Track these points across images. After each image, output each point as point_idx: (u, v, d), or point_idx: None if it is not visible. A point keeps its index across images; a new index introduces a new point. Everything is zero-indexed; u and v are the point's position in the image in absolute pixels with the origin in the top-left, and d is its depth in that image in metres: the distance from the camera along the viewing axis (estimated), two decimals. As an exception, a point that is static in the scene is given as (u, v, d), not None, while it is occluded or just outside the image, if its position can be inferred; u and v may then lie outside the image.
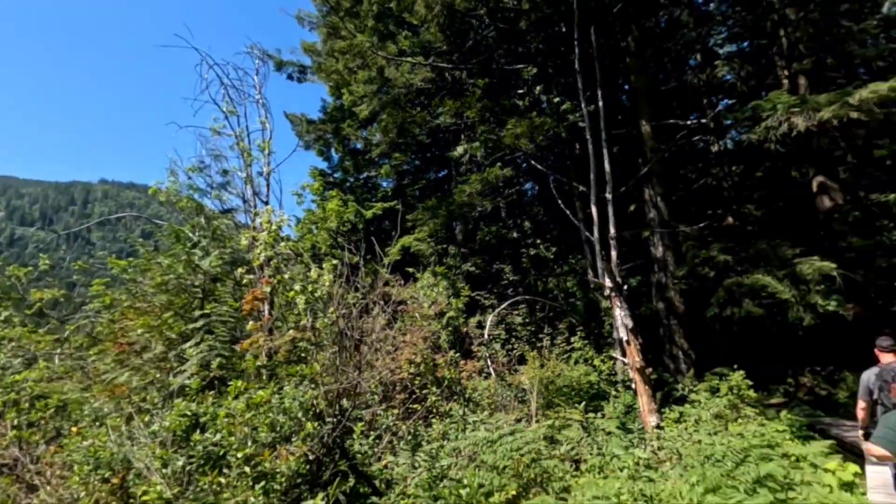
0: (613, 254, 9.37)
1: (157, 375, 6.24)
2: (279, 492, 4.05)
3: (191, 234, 8.95)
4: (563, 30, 12.95)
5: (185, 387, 5.45)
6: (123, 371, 6.28)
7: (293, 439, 4.40)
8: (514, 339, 10.13)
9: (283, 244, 8.69)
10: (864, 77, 11.49)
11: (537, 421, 7.74)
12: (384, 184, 19.90)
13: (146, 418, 5.49)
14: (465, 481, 4.64)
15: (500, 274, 11.87)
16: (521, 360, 9.47)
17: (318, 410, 4.71)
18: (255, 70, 11.58)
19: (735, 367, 8.28)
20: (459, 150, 12.85)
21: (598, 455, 5.23)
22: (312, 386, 4.82)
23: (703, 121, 11.88)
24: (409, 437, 6.50)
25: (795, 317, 8.53)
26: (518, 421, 7.66)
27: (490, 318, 9.79)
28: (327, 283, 7.77)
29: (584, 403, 6.97)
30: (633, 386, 7.87)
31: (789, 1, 10.78)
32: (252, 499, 3.88)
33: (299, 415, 4.68)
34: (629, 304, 8.44)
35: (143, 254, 8.74)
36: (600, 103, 10.47)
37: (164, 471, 4.32)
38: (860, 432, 5.00)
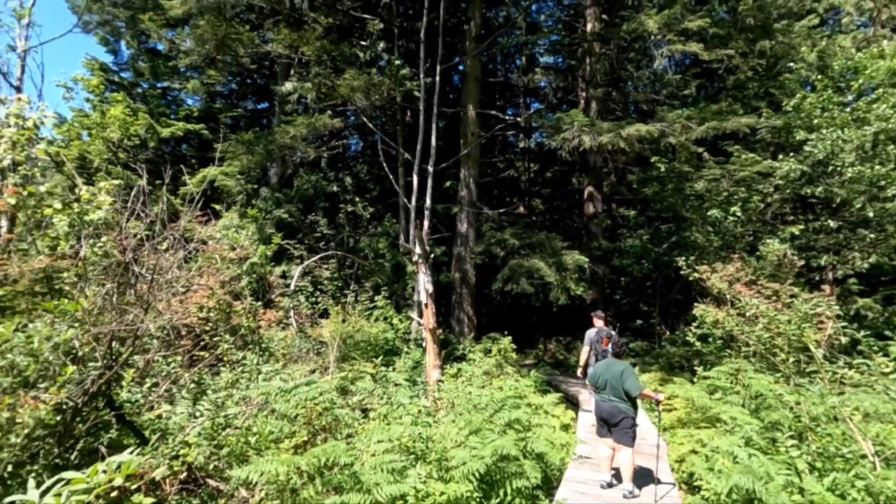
0: (426, 223, 10.04)
1: None
2: (14, 446, 3.37)
3: None
4: (414, -7, 12.93)
5: None
6: None
7: (42, 385, 3.67)
8: (319, 293, 10.09)
9: (39, 147, 6.91)
10: (633, 115, 14.50)
11: (333, 373, 7.97)
12: (189, 101, 17.14)
13: None
14: (255, 429, 4.59)
15: (314, 225, 11.55)
16: (325, 314, 9.52)
17: (80, 354, 4.01)
18: None
19: (505, 333, 9.85)
20: (288, 86, 11.85)
21: (387, 405, 5.71)
22: (74, 325, 4.07)
23: (519, 119, 13.39)
24: (193, 386, 6.03)
25: (555, 297, 10.55)
26: (313, 372, 7.78)
27: (298, 270, 9.53)
28: (105, 206, 6.53)
29: (380, 358, 7.45)
30: (424, 345, 8.71)
31: (597, 36, 12.78)
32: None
33: (51, 357, 3.91)
34: (432, 271, 9.23)
35: None
36: (437, 78, 10.89)
37: None
38: (579, 371, 6.99)
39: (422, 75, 10.70)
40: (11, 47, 7.47)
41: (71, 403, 3.70)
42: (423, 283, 8.63)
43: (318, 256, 9.91)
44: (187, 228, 9.55)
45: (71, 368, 3.52)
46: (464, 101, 12.90)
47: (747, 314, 7.38)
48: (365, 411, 6.00)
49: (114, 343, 4.20)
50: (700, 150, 10.35)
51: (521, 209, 20.31)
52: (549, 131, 10.74)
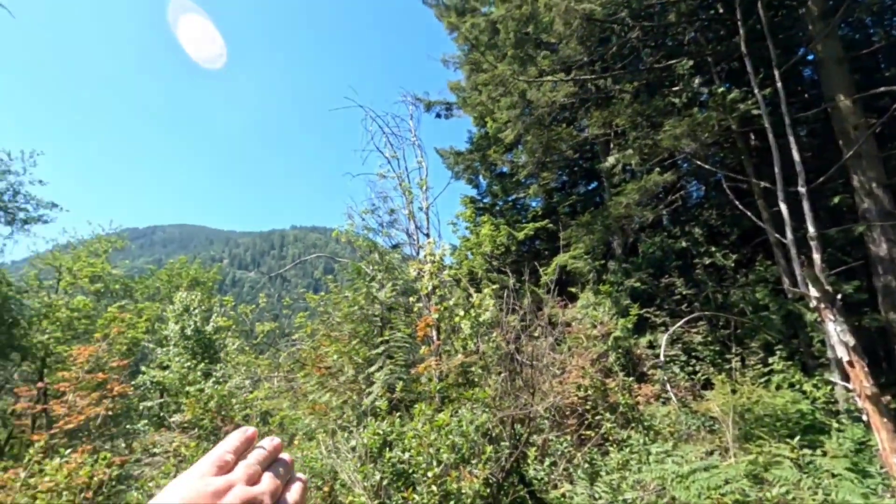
0: (817, 256, 7.87)
1: (351, 396, 7.08)
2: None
3: (367, 270, 10.10)
4: (721, 11, 11.65)
5: (375, 407, 6.07)
6: (324, 392, 7.27)
7: (473, 461, 4.58)
8: (694, 361, 9.07)
9: (445, 272, 9.27)
10: None
11: (734, 455, 6.77)
12: (533, 204, 19.92)
13: (345, 434, 6.25)
14: (657, 520, 4.26)
15: (670, 288, 10.80)
16: (707, 384, 8.42)
17: (493, 434, 4.82)
18: (410, 115, 12.74)
19: None
20: (610, 160, 12.25)
21: (825, 502, 4.33)
22: (485, 410, 4.97)
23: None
24: (586, 466, 6.23)
25: None
26: (710, 454, 6.81)
27: (664, 338, 8.95)
28: (490, 307, 8.00)
29: (797, 438, 5.88)
30: (865, 418, 6.39)
31: None
32: (441, 518, 4.12)
33: (475, 438, 4.86)
34: (846, 316, 6.95)
35: (332, 289, 10.13)
36: (778, 84, 9.07)
37: (364, 483, 4.86)
38: None
39: (756, 89, 9.15)
40: (420, 208, 10.36)
41: (493, 479, 4.44)
42: (837, 335, 6.56)
43: (683, 321, 9.07)
44: (552, 314, 10.61)
45: (489, 448, 4.27)
46: (827, 92, 10.15)
47: None
48: (794, 509, 4.70)
49: (515, 424, 4.89)
50: None
51: None
52: None
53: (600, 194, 18.78)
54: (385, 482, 4.69)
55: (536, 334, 9.66)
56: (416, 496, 3.96)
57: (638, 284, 11.05)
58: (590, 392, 7.45)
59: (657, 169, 11.25)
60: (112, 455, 6.03)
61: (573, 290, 11.78)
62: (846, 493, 4.27)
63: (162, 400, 10.77)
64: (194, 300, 11.78)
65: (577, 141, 13.02)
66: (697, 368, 8.88)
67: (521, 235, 15.92)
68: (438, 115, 18.28)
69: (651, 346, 9.90)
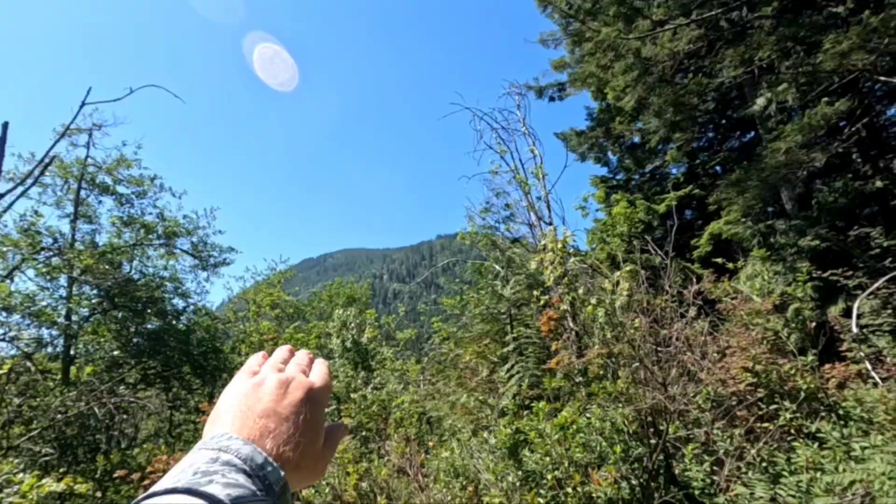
0: None
1: (486, 396, 7.10)
2: (605, 518, 3.88)
3: (496, 267, 10.09)
4: None
5: (504, 406, 5.98)
6: (462, 392, 7.42)
7: (609, 462, 4.19)
8: (913, 329, 7.08)
9: (572, 260, 8.78)
10: None
11: None
12: (674, 171, 17.86)
13: (485, 434, 6.28)
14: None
15: (864, 241, 8.61)
16: (936, 357, 6.49)
17: (630, 430, 4.36)
18: (517, 105, 12.46)
19: None
20: (760, 101, 10.36)
21: None
22: (619, 404, 4.53)
23: None
24: (763, 465, 5.26)
25: None
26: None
27: (856, 304, 7.17)
28: (625, 292, 7.37)
29: None
30: None
31: None
32: (578, 521, 3.84)
33: (612, 435, 4.45)
34: None
35: (467, 291, 10.35)
36: None
37: (500, 483, 4.79)
38: None
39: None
40: (538, 198, 10.04)
41: (634, 481, 3.99)
42: None
43: (884, 280, 7.14)
44: (707, 290, 9.33)
45: (618, 447, 3.86)
46: None
47: None
48: None
49: (657, 418, 4.35)
50: None
51: None
52: None
53: (758, 144, 16.02)
54: (518, 483, 4.57)
55: (690, 314, 8.55)
56: (539, 500, 3.76)
57: (817, 242, 9.04)
58: (761, 377, 6.31)
59: (824, 99, 9.15)
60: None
61: (719, 260, 10.18)
62: None
63: (334, 407, 12.15)
64: (349, 315, 13.08)
65: (713, 88, 11.28)
66: (920, 338, 6.90)
67: (662, 208, 14.38)
68: (552, 99, 17.52)
69: (846, 315, 8.01)
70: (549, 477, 3.87)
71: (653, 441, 4.21)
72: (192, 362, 13.07)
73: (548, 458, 4.10)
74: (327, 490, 6.95)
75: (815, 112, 9.01)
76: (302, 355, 0.68)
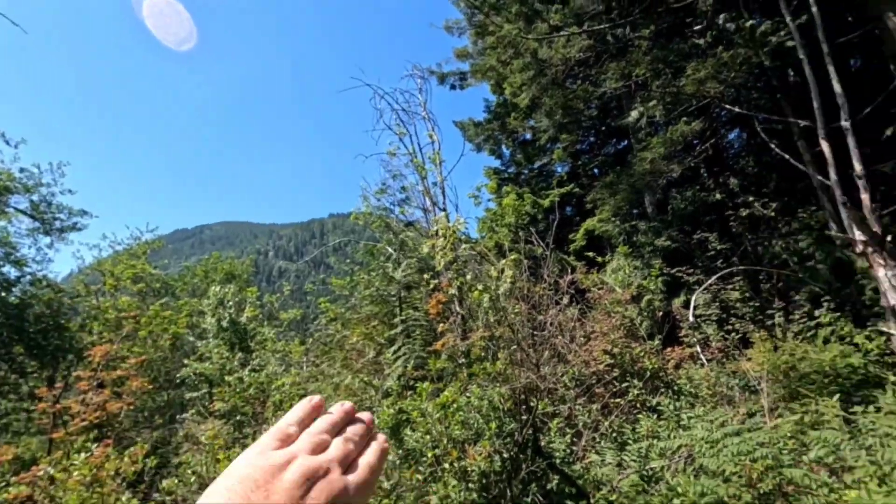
0: (865, 196, 7.14)
1: (371, 378, 7.11)
2: (476, 489, 4.13)
3: (389, 249, 10.05)
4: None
5: (388, 387, 6.05)
6: (346, 374, 7.33)
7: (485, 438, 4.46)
8: (733, 319, 8.54)
9: (463, 246, 9.06)
10: None
11: (778, 415, 6.35)
12: (559, 169, 19.26)
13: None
14: (680, 489, 4.02)
15: (703, 244, 10.18)
16: (747, 343, 7.92)
17: (505, 408, 4.68)
18: (419, 89, 12.40)
19: None
20: (633, 114, 11.54)
21: (871, 463, 3.93)
22: (497, 384, 4.83)
23: None
24: (613, 435, 6.01)
25: None
26: (751, 416, 6.42)
27: (693, 297, 8.46)
28: (509, 279, 7.78)
29: (836, 396, 5.42)
30: (925, 369, 5.82)
31: None
32: (453, 494, 4.05)
33: (490, 413, 4.73)
34: (900, 259, 6.29)
35: (357, 272, 10.16)
36: (813, 9, 8.16)
37: (380, 463, 4.84)
38: None
39: (788, 18, 8.29)
40: (434, 183, 10.14)
41: (506, 454, 4.31)
42: (887, 279, 5.97)
43: (715, 277, 8.52)
44: (579, 281, 10.23)
45: (493, 424, 4.12)
46: (873, 11, 9.08)
47: None
48: (836, 472, 4.32)
49: (529, 396, 4.72)
50: None
51: None
52: None
53: (629, 152, 17.91)
54: (398, 461, 4.66)
55: (563, 302, 9.37)
56: (418, 475, 3.89)
57: (669, 243, 10.47)
58: (617, 359, 7.16)
59: (683, 119, 10.50)
60: (148, 446, 6.32)
61: (591, 254, 11.32)
62: (895, 454, 3.86)
63: (206, 391, 11.27)
64: (227, 293, 12.15)
65: (596, 97, 12.33)
66: (737, 327, 8.35)
67: (546, 203, 15.43)
68: (453, 87, 17.79)
69: (686, 306, 9.40)
70: (429, 454, 4.01)
71: (524, 417, 4.56)
72: (27, 341, 11.18)
73: (428, 437, 4.24)
74: (193, 479, 6.45)
75: (676, 129, 10.31)
76: (359, 428, 0.51)
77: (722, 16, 10.22)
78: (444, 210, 10.53)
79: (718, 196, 10.75)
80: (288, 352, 9.71)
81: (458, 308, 8.93)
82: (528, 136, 18.77)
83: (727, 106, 9.65)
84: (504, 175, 19.20)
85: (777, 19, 9.06)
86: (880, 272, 6.09)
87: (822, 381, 6.77)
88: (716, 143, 12.41)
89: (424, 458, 4.01)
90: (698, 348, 7.68)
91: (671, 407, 6.17)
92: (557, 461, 5.09)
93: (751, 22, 9.43)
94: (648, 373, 6.68)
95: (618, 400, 6.69)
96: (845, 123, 7.75)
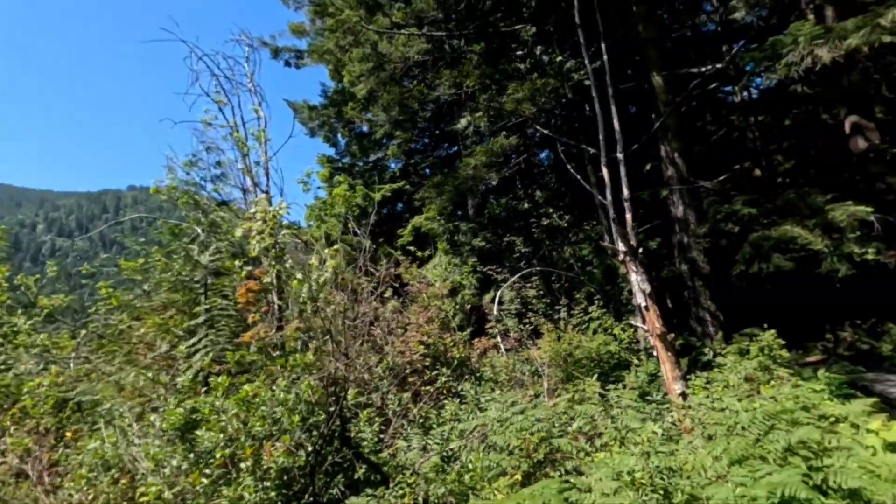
0: (628, 216, 8.85)
1: (164, 374, 6.21)
2: (276, 487, 3.91)
3: (198, 230, 8.89)
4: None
5: (179, 384, 5.38)
6: (130, 371, 6.27)
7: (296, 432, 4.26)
8: (530, 313, 9.81)
9: (284, 233, 8.52)
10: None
11: (557, 395, 7.47)
12: (393, 165, 19.59)
13: (153, 416, 5.44)
14: (470, 465, 4.41)
15: (511, 247, 11.50)
16: (539, 333, 9.16)
17: (314, 400, 4.54)
18: (246, 58, 11.28)
19: (766, 326, 7.77)
20: (462, 122, 12.37)
21: (615, 429, 4.91)
22: (307, 376, 4.65)
23: (719, 65, 11.02)
24: (420, 421, 6.33)
25: (830, 268, 7.91)
26: (536, 396, 7.41)
27: (499, 293, 9.48)
28: (330, 270, 7.57)
29: (595, 376, 6.65)
30: (655, 353, 7.48)
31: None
32: (247, 495, 3.75)
33: (300, 406, 4.53)
34: (649, 267, 8.01)
35: (154, 253, 8.73)
36: (604, 57, 9.80)
37: (163, 471, 4.24)
38: None
39: (587, 61, 9.78)
40: (256, 162, 9.33)
41: (310, 447, 4.18)
42: (637, 283, 7.49)
43: (517, 276, 9.70)
44: (403, 275, 10.51)
45: (296, 416, 3.96)
46: (645, 70, 11.34)
47: None
48: (593, 438, 5.30)
49: (337, 387, 4.66)
50: None
51: (757, 172, 16.53)
52: (763, 65, 8.42)
53: (458, 158, 19.18)
54: (186, 466, 4.14)
55: (387, 294, 9.55)
56: (203, 479, 3.53)
57: (484, 243, 11.54)
58: (430, 349, 7.57)
59: (503, 133, 11.63)
60: None
61: (413, 249, 11.88)
62: (629, 420, 4.86)
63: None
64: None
65: (430, 100, 12.89)
66: (532, 320, 9.60)
67: (377, 196, 15.53)
68: (288, 64, 16.70)
69: (494, 301, 10.46)
70: (218, 455, 3.65)
71: (332, 409, 4.49)
72: None
73: (222, 435, 3.86)
74: None
75: (497, 141, 11.36)
76: None
77: (539, 47, 11.61)
78: (267, 192, 9.78)
79: (527, 205, 12.24)
80: (49, 347, 7.88)
81: (274, 298, 8.39)
82: (366, 128, 18.67)
83: (538, 127, 11.03)
84: (338, 164, 18.77)
85: (580, 60, 10.68)
86: (633, 277, 7.62)
87: (589, 365, 8.20)
88: (528, 159, 14.09)
89: (212, 460, 3.64)
90: (499, 339, 8.60)
91: (472, 392, 6.79)
92: (365, 450, 5.15)
93: (560, 58, 10.93)
94: (456, 361, 7.21)
95: (428, 387, 7.09)
96: (620, 155, 9.50)
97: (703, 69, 11.18)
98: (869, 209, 7.63)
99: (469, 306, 9.29)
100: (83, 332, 7.81)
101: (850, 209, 7.65)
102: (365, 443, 5.28)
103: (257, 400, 4.16)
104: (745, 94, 16.33)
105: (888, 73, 10.69)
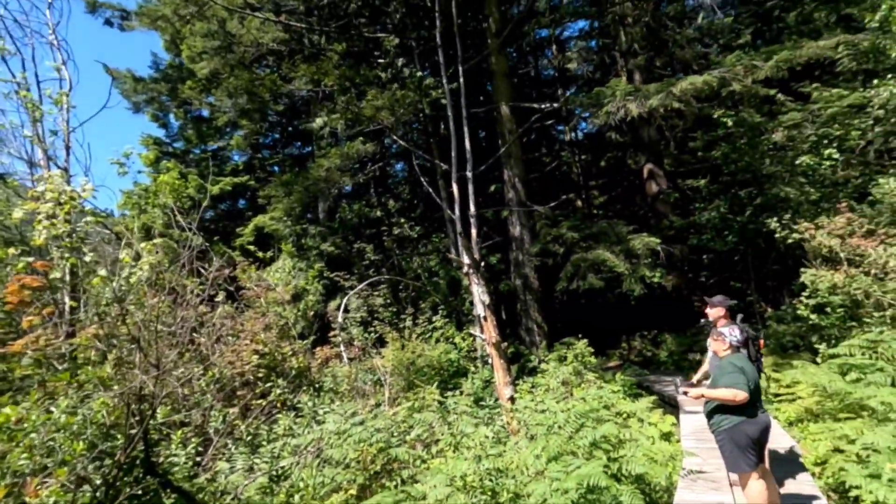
0: (473, 231, 9.39)
1: None
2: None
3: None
4: (427, 2, 12.62)
5: None
6: None
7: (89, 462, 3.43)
8: (376, 322, 9.71)
9: (87, 220, 7.08)
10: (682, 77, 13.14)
11: (398, 404, 7.47)
12: (236, 157, 17.88)
13: None
14: (301, 484, 4.10)
15: (361, 253, 11.33)
16: (384, 342, 9.11)
17: (109, 422, 3.75)
18: (49, 3, 9.28)
19: (580, 336, 8.90)
20: (318, 121, 11.87)
21: (451, 435, 5.07)
22: (102, 392, 3.84)
23: (556, 105, 12.52)
24: (249, 438, 5.73)
25: (629, 287, 9.44)
26: (377, 406, 7.30)
27: (345, 301, 9.23)
28: (146, 267, 6.49)
29: (436, 384, 6.85)
30: (490, 361, 7.99)
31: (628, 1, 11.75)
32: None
33: (87, 430, 3.69)
34: (489, 281, 8.57)
35: None
36: (461, 80, 10.36)
37: None
38: (695, 378, 4.44)
39: (444, 81, 10.21)
40: (53, 132, 7.68)
41: (99, 480, 3.42)
42: (478, 295, 7.95)
43: (365, 283, 9.58)
44: (240, 278, 9.55)
45: (80, 445, 3.22)
46: (495, 99, 12.28)
47: (874, 271, 6.01)
48: (430, 446, 5.39)
49: (142, 404, 3.93)
50: (771, 92, 8.92)
51: (579, 203, 19.18)
52: (589, 110, 9.82)
53: (311, 158, 18.33)
54: None
55: (219, 298, 8.52)
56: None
57: (333, 249, 11.15)
58: (266, 358, 6.95)
59: (360, 138, 11.46)
60: None
61: (255, 250, 11.00)
62: (464, 425, 5.06)
63: None
64: None
65: (284, 92, 12.11)
66: (378, 328, 9.52)
67: (215, 189, 13.98)
68: (109, 23, 14.13)
69: (339, 308, 10.12)
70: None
71: (133, 431, 3.76)
72: None
73: (-38, 475, 2.92)
74: None
75: (353, 145, 11.14)
76: None
77: (401, 59, 11.79)
78: (66, 170, 8.08)
79: (379, 213, 12.21)
80: None
81: (65, 298, 6.90)
82: (206, 112, 16.72)
83: (395, 137, 11.14)
84: (168, 149, 16.44)
85: (438, 79, 11.11)
86: (475, 289, 8.08)
87: (431, 373, 8.40)
88: (384, 168, 14.12)
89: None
90: (342, 347, 8.32)
91: (310, 404, 6.40)
92: (176, 477, 4.43)
93: (420, 73, 11.25)
94: (294, 371, 6.74)
95: (260, 401, 6.47)
96: (469, 173, 10.07)
97: (542, 106, 12.57)
98: (657, 240, 9.32)
99: (313, 313, 8.81)
100: None
101: (644, 239, 9.24)
102: (176, 468, 4.56)
103: (25, 426, 3.28)
104: (574, 134, 18.88)
105: (674, 132, 13.34)
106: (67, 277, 6.57)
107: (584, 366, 8.31)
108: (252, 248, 10.23)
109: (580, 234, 10.07)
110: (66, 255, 6.41)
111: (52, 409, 3.67)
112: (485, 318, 7.93)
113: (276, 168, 17.81)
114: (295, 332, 7.66)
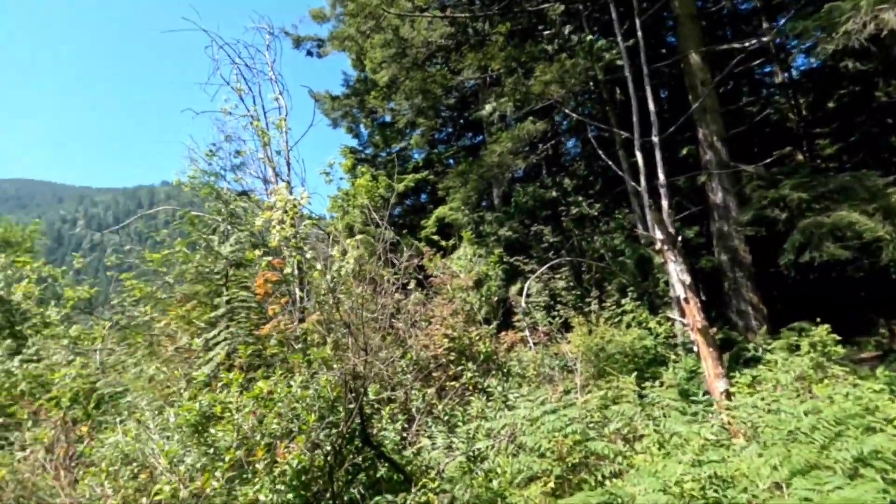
0: (664, 203, 8.31)
1: (184, 367, 6.10)
2: (293, 489, 3.69)
3: (219, 219, 8.79)
4: (592, -42, 11.58)
5: (196, 378, 5.23)
6: (151, 364, 6.19)
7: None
8: (559, 305, 9.38)
9: (306, 223, 8.34)
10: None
11: (589, 392, 7.08)
12: (416, 155, 19.28)
13: (170, 410, 5.32)
14: (499, 469, 4.09)
15: (539, 236, 11.06)
16: (568, 327, 8.75)
17: (332, 396, 4.29)
18: (266, 46, 11.10)
19: (817, 320, 7.17)
20: (487, 108, 11.93)
21: (656, 432, 4.52)
22: (325, 371, 4.41)
23: (765, 39, 10.25)
24: (445, 418, 6.05)
25: (891, 256, 7.24)
26: (566, 393, 7.03)
27: (527, 285, 9.09)
28: (351, 261, 7.33)
29: (634, 374, 6.20)
30: (696, 349, 6.99)
31: None
32: (262, 497, 3.54)
33: (315, 402, 4.30)
34: (686, 257, 7.47)
35: (176, 244, 8.68)
36: (639, 34, 9.21)
37: (178, 468, 4.08)
38: None
39: (619, 39, 9.21)
40: (277, 152, 9.15)
41: (328, 447, 3.94)
42: (677, 274, 6.99)
43: (546, 267, 9.28)
44: (427, 267, 10.21)
45: (312, 415, 3.72)
46: (681, 47, 10.67)
47: None
48: (630, 440, 4.91)
49: (356, 382, 4.40)
50: None
51: (800, 157, 15.56)
52: (815, 37, 7.73)
53: (483, 147, 18.72)
54: (201, 465, 3.96)
55: (410, 286, 9.27)
56: (213, 482, 3.32)
57: (510, 234, 11.14)
58: (455, 342, 7.26)
59: (530, 118, 11.16)
60: None
61: (438, 239, 11.56)
62: (673, 422, 4.46)
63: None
64: (-6, 264, 9.54)
65: (453, 84, 12.49)
66: (562, 313, 9.18)
67: (400, 187, 15.29)
68: (310, 53, 16.51)
69: (521, 293, 10.07)
70: (227, 456, 3.44)
71: (351, 406, 4.24)
72: None
73: (235, 434, 3.66)
74: None
75: (523, 126, 10.90)
76: None
77: (567, 27, 11.06)
78: (288, 182, 9.60)
79: (554, 194, 11.76)
80: (77, 338, 7.93)
81: (296, 289, 8.24)
82: (388, 117, 18.40)
83: (567, 111, 10.53)
84: (361, 155, 18.57)
85: (611, 39, 10.09)
86: (671, 267, 7.12)
87: (623, 361, 7.75)
88: (556, 146, 13.56)
89: (220, 463, 3.44)
90: (527, 332, 8.23)
91: (499, 388, 6.46)
92: (387, 449, 4.89)
93: (590, 37, 10.37)
94: (482, 356, 6.89)
95: (453, 383, 6.79)
96: (655, 138, 8.93)
97: (744, 44, 10.43)
98: (939, 192, 6.93)
99: (495, 298, 8.95)
100: (108, 323, 7.82)
101: (916, 192, 6.96)
102: (387, 441, 5.03)
103: (274, 397, 3.94)
104: (787, 74, 15.36)
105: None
106: (296, 272, 7.77)
107: (827, 357, 6.66)
108: (435, 237, 10.86)
109: (810, 193, 8.08)
110: (294, 253, 7.60)
111: (291, 383, 4.35)
112: (686, 299, 6.94)
113: (451, 161, 18.69)
114: (480, 317, 7.87)
